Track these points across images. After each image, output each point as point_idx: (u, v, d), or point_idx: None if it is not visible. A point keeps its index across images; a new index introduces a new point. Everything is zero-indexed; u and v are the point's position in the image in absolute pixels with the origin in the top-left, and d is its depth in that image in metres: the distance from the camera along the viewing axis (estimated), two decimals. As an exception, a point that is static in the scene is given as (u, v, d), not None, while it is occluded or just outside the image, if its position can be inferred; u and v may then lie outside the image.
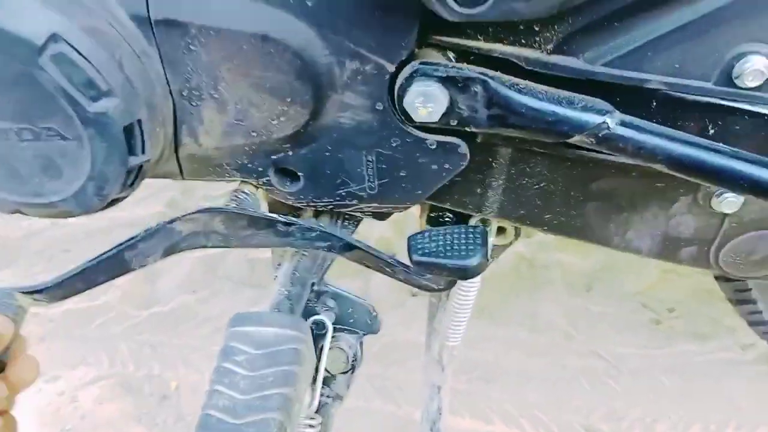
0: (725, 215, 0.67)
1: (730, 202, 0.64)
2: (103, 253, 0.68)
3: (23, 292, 0.66)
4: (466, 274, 0.63)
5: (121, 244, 0.68)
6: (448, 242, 0.62)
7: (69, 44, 0.53)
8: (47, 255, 1.49)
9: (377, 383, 1.20)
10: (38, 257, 1.48)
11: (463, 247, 0.62)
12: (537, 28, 0.57)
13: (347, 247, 0.66)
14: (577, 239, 0.75)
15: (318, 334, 0.71)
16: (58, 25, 0.53)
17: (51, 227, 1.55)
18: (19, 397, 0.67)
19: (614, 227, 0.71)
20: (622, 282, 1.34)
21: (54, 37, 0.52)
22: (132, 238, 0.69)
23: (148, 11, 0.57)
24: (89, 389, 1.21)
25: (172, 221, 0.68)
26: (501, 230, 0.82)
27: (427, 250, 0.62)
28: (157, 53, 0.59)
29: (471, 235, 0.63)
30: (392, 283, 1.35)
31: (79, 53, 0.53)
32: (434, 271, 0.63)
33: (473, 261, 0.62)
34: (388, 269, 0.66)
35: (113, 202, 0.65)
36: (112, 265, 0.68)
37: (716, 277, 0.96)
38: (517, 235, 0.83)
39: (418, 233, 0.65)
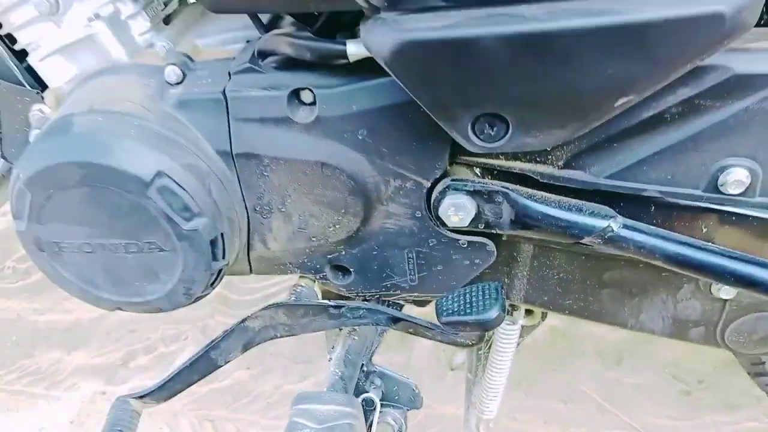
0: (725, 300, 0.75)
1: (726, 289, 0.73)
2: (194, 356, 0.81)
3: (135, 398, 0.80)
4: (487, 326, 0.70)
5: (206, 347, 0.80)
6: (468, 301, 0.71)
7: (171, 178, 0.66)
8: (115, 335, 1.62)
9: (421, 455, 1.28)
10: (107, 338, 1.62)
11: (482, 303, 0.70)
12: (549, 149, 0.69)
13: (392, 320, 0.76)
14: (595, 322, 0.84)
15: (368, 410, 0.81)
16: (162, 164, 0.66)
17: (118, 310, 1.69)
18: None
19: (628, 311, 0.80)
20: (653, 354, 1.40)
21: (159, 174, 0.66)
22: (214, 340, 0.81)
23: (230, 147, 0.70)
24: (155, 462, 1.31)
25: (244, 320, 0.80)
26: (529, 312, 0.92)
27: (451, 311, 0.71)
28: (237, 179, 0.72)
29: (487, 292, 0.71)
30: (431, 357, 1.45)
31: (178, 185, 0.67)
32: (460, 328, 0.72)
33: (492, 314, 0.69)
34: (428, 333, 0.76)
35: (197, 299, 0.77)
36: (202, 365, 0.81)
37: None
38: (544, 316, 0.93)
39: (443, 297, 0.75)
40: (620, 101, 0.58)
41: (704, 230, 0.69)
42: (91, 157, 0.66)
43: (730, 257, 0.64)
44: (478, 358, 0.99)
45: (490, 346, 0.96)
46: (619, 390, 1.35)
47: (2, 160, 0.90)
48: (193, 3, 0.86)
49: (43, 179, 0.67)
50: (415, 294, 0.81)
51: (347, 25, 0.69)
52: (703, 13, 0.52)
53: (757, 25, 0.71)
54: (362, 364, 0.82)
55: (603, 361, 1.41)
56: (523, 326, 0.92)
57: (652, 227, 0.67)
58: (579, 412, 1.32)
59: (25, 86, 0.82)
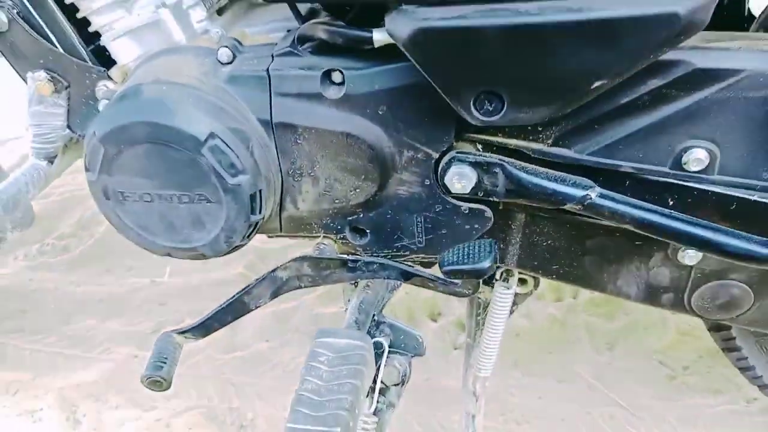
0: (691, 267, 0.86)
1: (690, 255, 0.84)
2: (229, 299, 0.93)
3: (178, 333, 0.93)
4: (482, 274, 0.81)
5: (240, 292, 0.93)
6: (466, 253, 0.82)
7: (221, 139, 0.79)
8: (147, 308, 1.75)
9: (423, 421, 1.39)
10: (139, 309, 1.75)
11: (477, 255, 0.82)
12: (540, 129, 0.80)
13: (402, 274, 0.89)
14: (579, 286, 0.95)
15: (377, 353, 0.92)
16: (214, 127, 0.79)
17: (150, 285, 1.83)
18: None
19: (607, 276, 0.91)
20: (643, 342, 1.50)
21: (212, 135, 0.79)
22: (247, 286, 0.93)
23: (271, 117, 0.83)
24: (181, 417, 1.43)
25: (274, 270, 0.93)
26: (523, 281, 1.03)
27: (451, 262, 0.83)
28: (274, 144, 0.85)
29: (481, 246, 0.82)
30: (437, 338, 1.56)
31: (227, 145, 0.80)
32: (459, 276, 0.83)
33: (485, 263, 0.80)
34: (431, 285, 0.88)
35: (234, 248, 0.89)
36: (235, 307, 0.93)
37: (708, 329, 1.13)
38: (536, 285, 1.04)
39: (446, 252, 0.86)
40: (595, 84, 0.70)
41: (671, 202, 0.81)
42: (156, 118, 0.79)
43: (689, 222, 0.76)
44: (476, 323, 1.10)
45: (487, 314, 1.07)
46: (609, 373, 1.46)
47: (68, 130, 1.04)
48: (243, -2, 1.00)
49: (116, 136, 0.80)
50: (422, 255, 0.93)
51: (373, 18, 0.82)
52: (661, 12, 0.64)
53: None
54: (374, 315, 0.94)
55: (596, 347, 1.52)
56: (517, 294, 1.03)
57: (624, 197, 0.78)
58: (571, 391, 1.42)
59: (89, 64, 0.96)
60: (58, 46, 0.96)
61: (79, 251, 1.98)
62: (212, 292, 1.75)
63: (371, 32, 0.77)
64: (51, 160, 1.10)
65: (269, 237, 1.00)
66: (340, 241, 0.95)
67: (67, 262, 1.96)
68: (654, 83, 0.75)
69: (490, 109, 0.74)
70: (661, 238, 0.78)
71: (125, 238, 0.91)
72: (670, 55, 0.72)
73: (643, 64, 0.69)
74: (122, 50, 0.93)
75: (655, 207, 0.77)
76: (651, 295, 0.91)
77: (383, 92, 0.80)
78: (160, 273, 1.87)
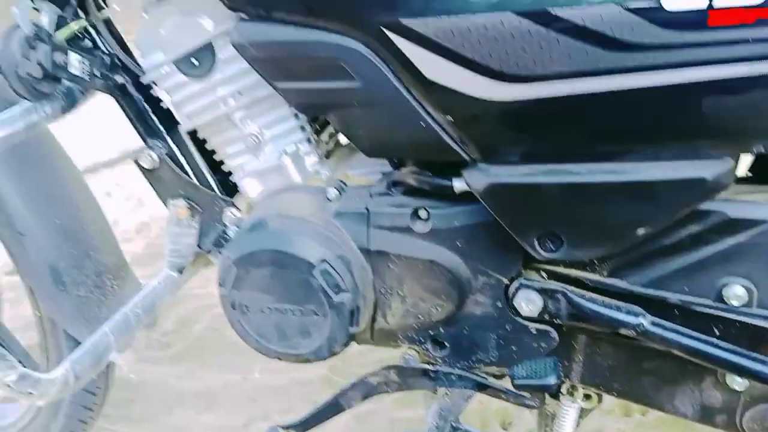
0: (740, 391, 0.95)
1: (738, 381, 0.93)
2: (326, 401, 1.09)
3: (283, 428, 1.08)
4: (548, 388, 0.95)
5: (336, 394, 1.08)
6: (534, 370, 0.95)
7: (329, 264, 0.98)
8: (238, 402, 1.91)
9: None
10: (233, 404, 1.91)
11: (544, 372, 0.94)
12: (596, 263, 0.94)
13: (477, 384, 1.01)
14: (639, 404, 1.04)
15: (454, 456, 1.04)
16: (323, 254, 0.98)
17: (242, 382, 2.00)
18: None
19: (664, 397, 1.00)
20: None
21: (322, 260, 0.97)
22: (342, 389, 1.08)
23: (368, 245, 1.01)
24: None
25: (366, 376, 1.08)
26: (587, 396, 1.13)
27: (522, 376, 0.95)
28: (370, 267, 1.02)
29: (547, 365, 0.95)
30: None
31: (333, 268, 0.98)
32: (529, 390, 0.96)
33: (551, 380, 0.94)
34: (503, 396, 1.00)
35: (333, 354, 1.05)
36: (331, 407, 1.08)
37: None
38: (600, 400, 1.13)
39: (516, 367, 0.99)
40: (639, 232, 0.84)
41: (717, 332, 0.91)
42: (278, 246, 0.98)
43: (732, 351, 0.86)
44: (545, 433, 1.20)
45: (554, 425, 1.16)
46: (680, 493, 1.48)
47: (198, 248, 1.25)
48: (346, 144, 1.22)
49: (246, 259, 0.99)
50: (495, 368, 1.06)
51: (454, 168, 1.00)
52: (691, 176, 0.79)
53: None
54: (452, 420, 1.06)
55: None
56: (582, 408, 1.13)
57: (673, 325, 0.90)
58: None
59: (220, 195, 1.19)
60: (194, 179, 1.19)
61: (179, 347, 2.19)
62: (298, 390, 1.90)
63: (452, 180, 0.95)
64: (181, 270, 1.31)
65: (359, 344, 1.16)
66: (423, 351, 1.09)
67: (169, 357, 2.17)
68: (693, 228, 0.87)
69: (552, 247, 0.89)
70: (710, 366, 0.88)
71: (243, 342, 1.09)
72: (706, 206, 0.85)
73: (679, 216, 0.83)
74: (249, 186, 1.15)
75: (700, 335, 0.88)
76: (706, 416, 0.99)
77: (462, 228, 0.97)
78: (251, 370, 2.04)
